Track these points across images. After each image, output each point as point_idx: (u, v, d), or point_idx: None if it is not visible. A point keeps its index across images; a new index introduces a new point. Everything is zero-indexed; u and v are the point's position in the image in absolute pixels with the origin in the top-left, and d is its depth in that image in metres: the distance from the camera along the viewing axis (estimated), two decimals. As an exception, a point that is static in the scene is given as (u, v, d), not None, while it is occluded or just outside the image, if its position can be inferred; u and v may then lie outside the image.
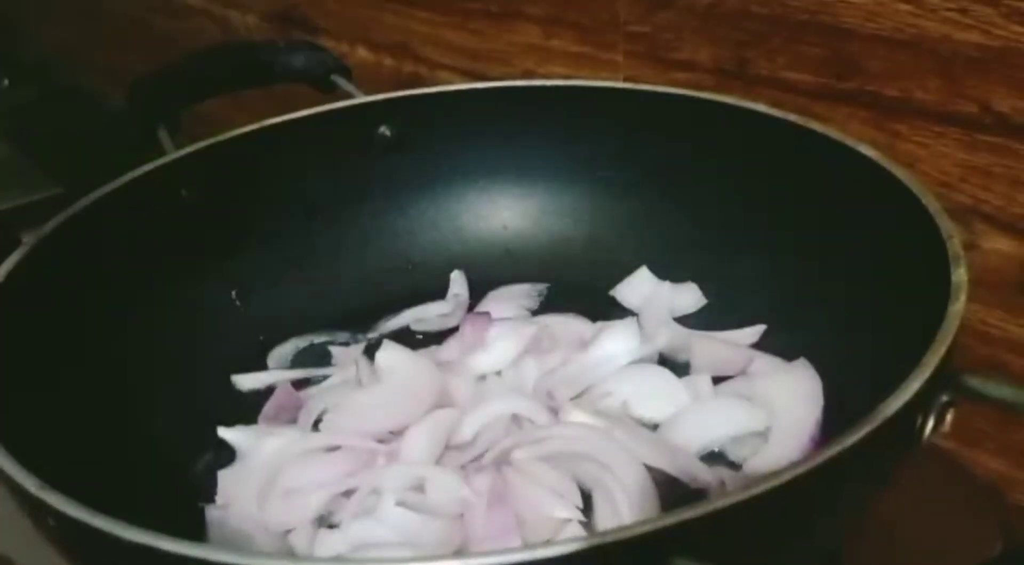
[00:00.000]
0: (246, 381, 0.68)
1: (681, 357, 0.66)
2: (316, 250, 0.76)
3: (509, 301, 0.74)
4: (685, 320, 0.70)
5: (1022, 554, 0.55)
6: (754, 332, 0.67)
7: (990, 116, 0.62)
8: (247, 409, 0.66)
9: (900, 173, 0.55)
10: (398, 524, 0.52)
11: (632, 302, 0.72)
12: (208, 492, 0.58)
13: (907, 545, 0.59)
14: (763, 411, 0.58)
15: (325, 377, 0.68)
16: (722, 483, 0.54)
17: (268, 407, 0.65)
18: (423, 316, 0.74)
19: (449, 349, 0.68)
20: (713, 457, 0.58)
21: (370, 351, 0.69)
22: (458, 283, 0.76)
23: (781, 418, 0.58)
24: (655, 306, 0.70)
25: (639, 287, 0.73)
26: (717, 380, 0.63)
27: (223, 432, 0.61)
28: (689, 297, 0.71)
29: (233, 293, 0.73)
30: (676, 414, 0.60)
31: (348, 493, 0.55)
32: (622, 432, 0.55)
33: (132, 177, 0.67)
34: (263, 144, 0.73)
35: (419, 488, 0.54)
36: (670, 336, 0.66)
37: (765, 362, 0.63)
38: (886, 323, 0.54)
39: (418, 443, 0.57)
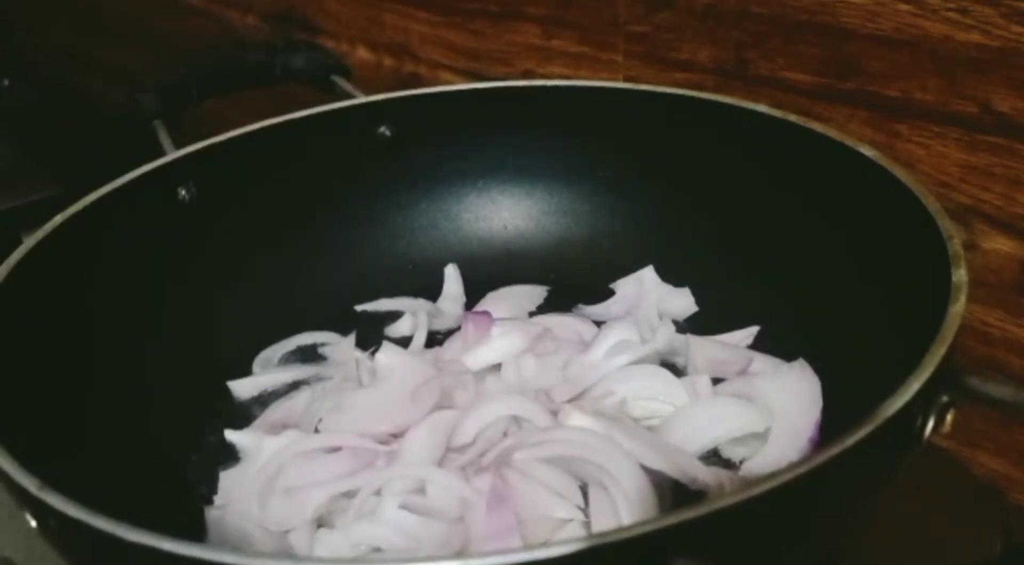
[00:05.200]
0: (242, 388, 0.68)
1: (679, 359, 0.66)
2: (315, 250, 0.76)
3: (509, 301, 0.74)
4: (684, 321, 0.70)
5: (1022, 554, 0.55)
6: (748, 334, 0.67)
7: (990, 116, 0.62)
8: (246, 407, 0.67)
9: (900, 173, 0.55)
10: (399, 526, 0.52)
11: (629, 299, 0.72)
12: (207, 492, 0.58)
13: (907, 545, 0.59)
14: (762, 412, 0.58)
15: (321, 378, 0.68)
16: (721, 484, 0.54)
17: (270, 412, 0.65)
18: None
19: (451, 348, 0.68)
20: (712, 458, 0.58)
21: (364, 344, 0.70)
22: (452, 279, 0.77)
23: (780, 419, 0.57)
24: (651, 307, 0.70)
25: (639, 285, 0.73)
26: (715, 381, 0.63)
27: (230, 435, 0.61)
28: (681, 302, 0.71)
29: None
30: (675, 414, 0.60)
31: (349, 494, 0.55)
32: (621, 434, 0.55)
33: (132, 177, 0.67)
34: (263, 144, 0.73)
35: (420, 490, 0.54)
36: (669, 337, 0.66)
37: (764, 363, 0.63)
38: (886, 323, 0.54)
39: (419, 444, 0.57)
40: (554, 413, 0.60)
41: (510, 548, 0.45)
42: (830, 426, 0.58)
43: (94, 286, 0.63)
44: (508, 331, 0.66)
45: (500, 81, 0.83)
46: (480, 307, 0.73)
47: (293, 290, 0.74)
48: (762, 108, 0.66)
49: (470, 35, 0.98)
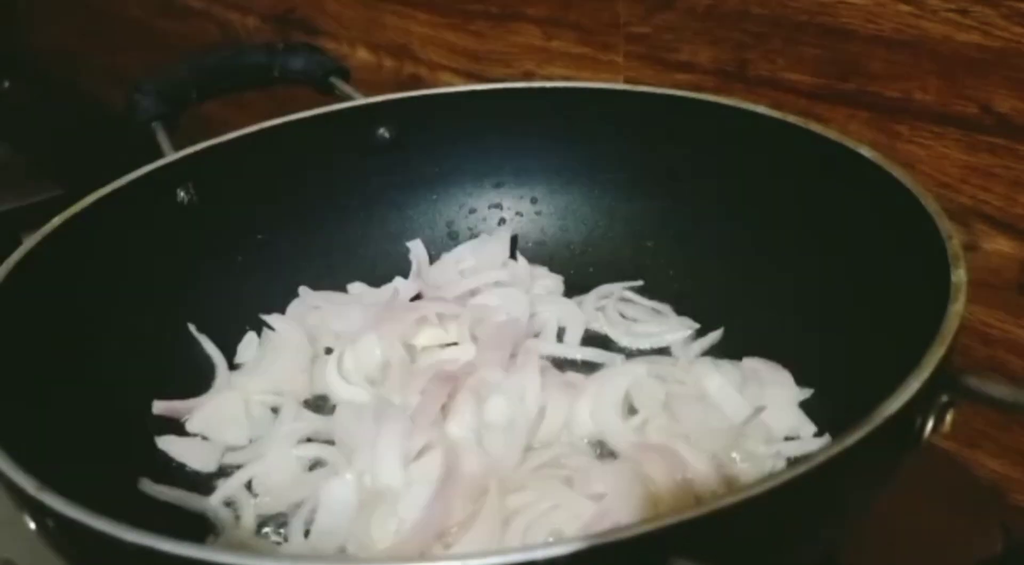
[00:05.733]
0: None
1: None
2: (314, 251, 0.76)
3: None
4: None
5: (1022, 554, 0.55)
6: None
7: (990, 117, 0.62)
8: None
9: (900, 174, 0.55)
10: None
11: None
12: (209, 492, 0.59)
13: (907, 545, 0.59)
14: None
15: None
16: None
17: None
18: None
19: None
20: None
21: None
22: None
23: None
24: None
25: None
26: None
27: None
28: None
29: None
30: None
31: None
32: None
33: (131, 179, 0.67)
34: (262, 146, 0.73)
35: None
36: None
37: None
38: (886, 323, 0.54)
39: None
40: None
41: (510, 548, 0.45)
42: (830, 426, 0.58)
43: (93, 287, 0.63)
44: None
45: (500, 82, 0.83)
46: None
47: (292, 292, 0.74)
48: (762, 109, 0.66)
49: (470, 36, 0.98)
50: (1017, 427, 0.68)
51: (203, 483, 0.59)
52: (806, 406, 0.60)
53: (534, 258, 0.78)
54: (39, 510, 0.40)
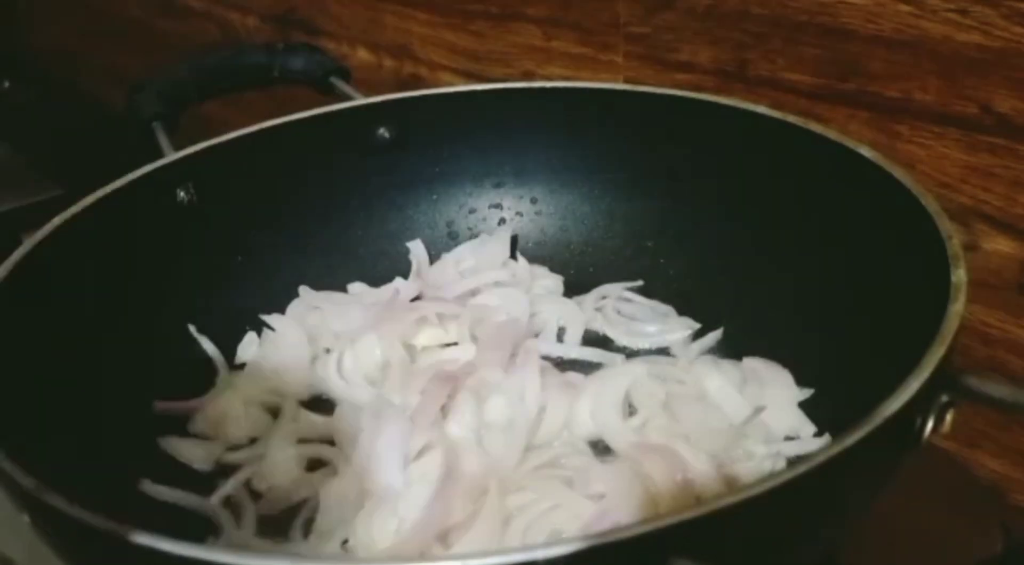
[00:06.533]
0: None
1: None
2: (314, 251, 0.76)
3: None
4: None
5: (1022, 554, 0.55)
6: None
7: (990, 117, 0.62)
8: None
9: (900, 174, 0.55)
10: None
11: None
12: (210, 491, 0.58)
13: (907, 545, 0.59)
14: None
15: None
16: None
17: None
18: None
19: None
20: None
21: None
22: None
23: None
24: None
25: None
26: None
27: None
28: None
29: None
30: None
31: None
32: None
33: (131, 179, 0.67)
34: (262, 146, 0.73)
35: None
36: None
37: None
38: (886, 323, 0.54)
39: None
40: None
41: (510, 548, 0.45)
42: (830, 426, 0.58)
43: (93, 287, 0.63)
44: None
45: (500, 82, 0.83)
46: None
47: (292, 292, 0.74)
48: (762, 109, 0.66)
49: (470, 36, 0.98)
50: (1017, 427, 0.68)
51: (203, 483, 0.59)
52: (806, 406, 0.60)
53: (534, 258, 0.78)
54: (39, 510, 0.40)
